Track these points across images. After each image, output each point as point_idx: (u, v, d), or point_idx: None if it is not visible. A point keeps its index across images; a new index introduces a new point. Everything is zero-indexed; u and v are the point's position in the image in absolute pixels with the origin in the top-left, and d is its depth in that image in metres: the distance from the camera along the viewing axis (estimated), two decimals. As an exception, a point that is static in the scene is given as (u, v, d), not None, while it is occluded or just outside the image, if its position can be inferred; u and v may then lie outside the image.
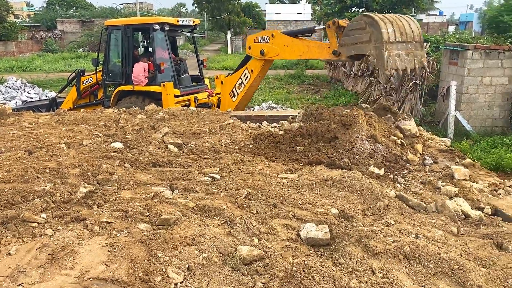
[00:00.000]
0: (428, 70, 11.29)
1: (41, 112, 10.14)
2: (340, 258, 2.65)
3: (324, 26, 6.67)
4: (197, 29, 10.30)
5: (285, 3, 64.75)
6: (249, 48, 7.89)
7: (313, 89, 18.97)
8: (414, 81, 11.63)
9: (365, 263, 2.54)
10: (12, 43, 36.14)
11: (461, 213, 3.48)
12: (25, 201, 3.39)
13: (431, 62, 11.46)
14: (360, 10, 20.01)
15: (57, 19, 47.36)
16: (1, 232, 2.79)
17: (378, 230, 2.88)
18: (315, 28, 7.34)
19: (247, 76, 8.23)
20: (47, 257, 2.54)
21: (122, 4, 58.28)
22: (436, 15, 63.36)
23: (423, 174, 4.38)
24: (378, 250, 2.65)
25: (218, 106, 9.37)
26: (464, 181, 4.13)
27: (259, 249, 2.70)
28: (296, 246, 2.78)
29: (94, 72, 10.34)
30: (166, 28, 9.24)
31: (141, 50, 10.77)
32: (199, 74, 10.78)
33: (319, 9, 52.72)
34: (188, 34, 10.38)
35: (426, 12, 46.00)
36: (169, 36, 9.60)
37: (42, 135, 5.81)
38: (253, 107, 13.45)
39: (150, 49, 10.08)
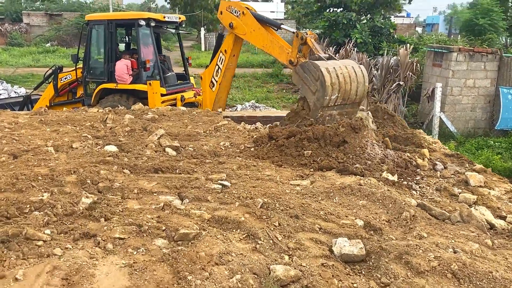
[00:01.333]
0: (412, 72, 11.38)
1: (14, 110, 9.58)
2: (383, 277, 2.47)
3: (294, 31, 6.63)
4: (183, 25, 9.93)
5: (258, 1, 64.57)
6: (221, 13, 7.84)
7: (292, 88, 18.85)
8: (397, 82, 11.66)
9: (413, 283, 2.37)
10: (-26, 35, 34.48)
11: (485, 223, 3.37)
12: (21, 213, 3.05)
13: (414, 63, 11.52)
14: (339, 10, 20.01)
15: (23, 11, 45.47)
16: (2, 252, 2.46)
17: (416, 245, 2.72)
18: (282, 26, 7.25)
19: (222, 59, 8.34)
20: (61, 283, 2.24)
21: (91, -3, 56.53)
22: (404, 16, 64.66)
23: (436, 180, 4.26)
24: (422, 268, 2.48)
25: None
26: (480, 187, 4.04)
27: (295, 269, 2.49)
28: (333, 264, 2.57)
29: (74, 68, 9.81)
30: (152, 24, 8.85)
31: (121, 46, 10.32)
32: (184, 72, 10.42)
33: (291, 8, 52.74)
34: (173, 30, 10.02)
35: (394, 13, 46.98)
36: (154, 32, 9.22)
37: (25, 136, 5.40)
38: (236, 107, 13.20)
39: (133, 46, 9.67)
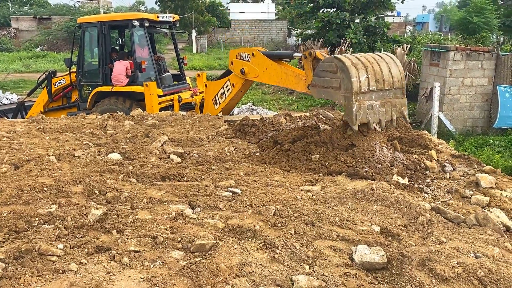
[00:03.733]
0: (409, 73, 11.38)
1: (8, 117, 9.42)
2: (407, 285, 2.42)
3: (302, 54, 6.11)
4: (177, 25, 9.82)
5: (248, 2, 64.56)
6: (231, 63, 7.58)
7: (287, 89, 18.78)
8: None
9: (440, 291, 2.32)
10: (-38, 41, 34.01)
11: (501, 225, 3.33)
12: (30, 226, 2.97)
13: (411, 63, 11.53)
14: (331, 10, 20.03)
15: (11, 16, 44.97)
16: (16, 269, 2.38)
17: (437, 251, 2.67)
18: (294, 55, 6.79)
19: (229, 89, 7.93)
20: (80, 301, 2.16)
21: (79, 1, 56.12)
22: (394, 15, 64.94)
23: (447, 182, 4.23)
24: (447, 275, 2.43)
25: (202, 106, 8.98)
26: (491, 189, 4.00)
27: (317, 279, 2.43)
28: (356, 273, 2.52)
29: (67, 73, 9.68)
30: (146, 24, 8.74)
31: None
32: (179, 72, 10.32)
33: (282, 9, 52.76)
34: (167, 30, 9.92)
35: (384, 13, 47.33)
36: (148, 33, 9.11)
37: (25, 145, 5.30)
38: (233, 109, 13.10)
39: (128, 47, 9.57)
